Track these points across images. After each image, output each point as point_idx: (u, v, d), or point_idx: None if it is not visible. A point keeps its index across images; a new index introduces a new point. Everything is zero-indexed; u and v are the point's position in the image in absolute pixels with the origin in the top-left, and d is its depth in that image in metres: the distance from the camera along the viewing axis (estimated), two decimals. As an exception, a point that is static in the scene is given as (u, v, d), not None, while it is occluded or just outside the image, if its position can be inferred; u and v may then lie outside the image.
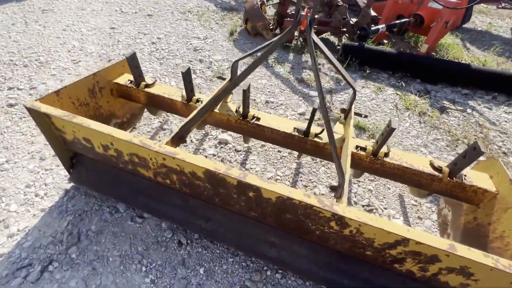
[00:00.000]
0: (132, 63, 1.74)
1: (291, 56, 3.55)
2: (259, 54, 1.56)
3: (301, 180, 2.03)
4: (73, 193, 1.77)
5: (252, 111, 1.73)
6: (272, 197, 1.19)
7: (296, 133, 1.63)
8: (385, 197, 1.96)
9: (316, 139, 1.60)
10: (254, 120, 1.68)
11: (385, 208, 1.89)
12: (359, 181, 2.04)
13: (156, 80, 1.91)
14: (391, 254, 1.18)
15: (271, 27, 3.76)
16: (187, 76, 1.68)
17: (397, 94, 3.00)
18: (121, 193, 1.67)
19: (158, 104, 1.90)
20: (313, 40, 1.44)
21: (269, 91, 2.87)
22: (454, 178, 1.43)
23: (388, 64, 3.33)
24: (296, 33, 3.81)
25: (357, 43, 3.42)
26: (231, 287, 1.44)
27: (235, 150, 2.20)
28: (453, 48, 4.09)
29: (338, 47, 3.61)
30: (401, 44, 4.24)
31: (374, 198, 1.95)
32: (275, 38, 1.63)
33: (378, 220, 1.05)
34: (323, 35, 4.10)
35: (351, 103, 1.74)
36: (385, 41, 4.06)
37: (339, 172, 1.25)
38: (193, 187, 1.42)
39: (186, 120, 1.52)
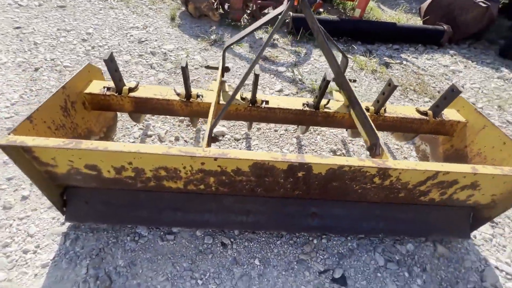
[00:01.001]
0: (111, 66, 1.46)
1: (244, 35, 3.48)
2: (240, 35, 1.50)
3: (305, 152, 2.14)
4: (75, 234, 1.48)
5: (258, 96, 1.70)
6: (323, 170, 1.26)
7: (307, 108, 1.69)
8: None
9: (326, 110, 1.70)
10: (264, 104, 1.66)
11: (379, 157, 2.18)
12: (352, 140, 2.28)
13: (138, 82, 1.66)
14: (420, 190, 1.42)
15: (215, 7, 3.56)
16: (185, 72, 1.51)
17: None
18: (140, 216, 1.48)
19: (149, 109, 1.67)
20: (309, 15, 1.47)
21: (240, 74, 2.80)
22: (437, 118, 1.75)
23: (333, 31, 3.61)
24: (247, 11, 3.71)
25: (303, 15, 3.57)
26: (289, 265, 1.51)
27: (235, 139, 2.14)
28: (374, 10, 4.66)
29: (287, 21, 3.70)
30: (333, 11, 4.60)
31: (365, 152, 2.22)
32: (271, 16, 1.59)
33: (417, 164, 1.24)
34: (266, 10, 4.11)
35: (344, 71, 1.88)
36: (321, 10, 4.34)
37: (372, 133, 1.38)
38: (233, 185, 1.36)
39: (209, 119, 1.40)
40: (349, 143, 2.26)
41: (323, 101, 1.71)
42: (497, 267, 1.62)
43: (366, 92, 2.83)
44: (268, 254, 1.54)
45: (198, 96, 1.64)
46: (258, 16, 3.76)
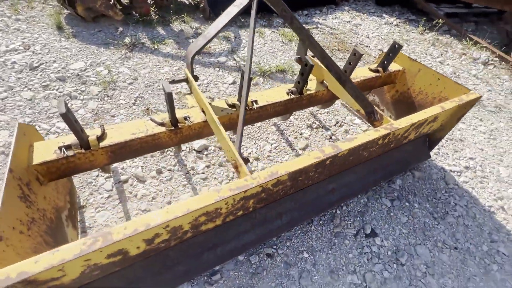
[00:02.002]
0: (70, 117, 1.08)
1: (161, 30, 3.05)
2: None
3: (289, 135, 2.20)
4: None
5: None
6: (346, 151, 1.35)
7: (293, 96, 1.70)
8: (348, 114, 2.50)
9: (309, 93, 1.76)
10: (255, 105, 1.58)
11: (353, 120, 2.45)
12: (318, 111, 2.45)
13: (102, 125, 1.29)
14: (405, 136, 1.70)
15: (112, 3, 2.93)
16: (169, 98, 1.26)
17: (275, 32, 3.40)
18: (176, 275, 1.28)
19: (131, 153, 1.35)
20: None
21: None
22: (385, 72, 2.06)
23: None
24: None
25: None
26: (331, 242, 1.62)
27: (220, 148, 1.99)
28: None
29: (201, 5, 3.40)
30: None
31: (333, 116, 2.45)
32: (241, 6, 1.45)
33: (412, 117, 1.47)
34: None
35: (305, 51, 1.93)
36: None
37: (366, 102, 1.52)
38: (270, 197, 1.32)
39: (229, 143, 1.24)
40: (316, 114, 2.43)
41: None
42: (451, 170, 2.17)
43: (305, 62, 3.01)
44: (310, 242, 1.60)
45: (185, 119, 1.41)
46: (165, 4, 3.33)
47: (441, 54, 3.58)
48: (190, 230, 1.14)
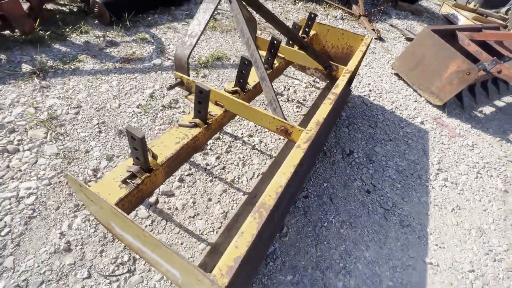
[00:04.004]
0: (145, 141, 1.04)
1: (61, 47, 2.54)
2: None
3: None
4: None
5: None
6: (338, 95, 1.83)
7: (267, 71, 2.01)
8: (287, 79, 2.98)
9: (275, 65, 2.10)
10: (250, 86, 1.80)
11: (293, 82, 2.96)
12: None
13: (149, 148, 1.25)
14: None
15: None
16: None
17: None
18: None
19: (179, 163, 1.36)
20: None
21: (119, 89, 2.32)
22: (309, 37, 2.63)
23: (143, 5, 3.35)
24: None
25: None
26: (332, 169, 2.16)
27: (217, 139, 2.11)
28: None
29: (96, 10, 2.94)
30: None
31: (279, 84, 2.91)
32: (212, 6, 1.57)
33: (349, 66, 2.09)
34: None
35: (255, 33, 2.21)
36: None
37: (323, 59, 2.02)
38: (317, 141, 1.67)
39: (271, 114, 1.44)
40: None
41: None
42: (364, 95, 3.09)
43: (227, 45, 3.28)
44: (322, 175, 2.09)
45: (210, 114, 1.51)
46: (48, 16, 2.73)
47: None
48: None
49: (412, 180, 2.31)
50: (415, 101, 3.28)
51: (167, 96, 2.36)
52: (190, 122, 1.44)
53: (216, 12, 3.86)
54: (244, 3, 1.76)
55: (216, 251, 1.47)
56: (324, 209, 1.88)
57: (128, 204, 1.12)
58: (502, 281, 1.80)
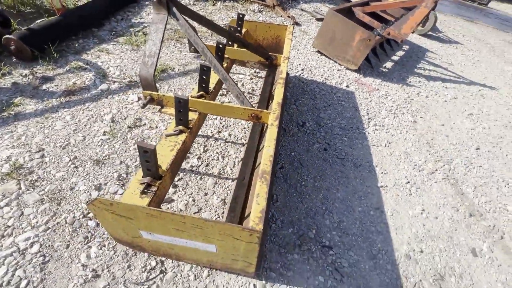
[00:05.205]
0: (155, 156, 1.22)
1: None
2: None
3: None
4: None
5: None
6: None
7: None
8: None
9: (225, 66, 2.37)
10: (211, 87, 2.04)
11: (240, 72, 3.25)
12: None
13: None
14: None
15: None
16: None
17: (115, 44, 3.35)
18: None
19: (177, 168, 1.56)
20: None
21: (76, 123, 2.30)
22: (242, 35, 2.96)
23: (62, 33, 3.16)
24: None
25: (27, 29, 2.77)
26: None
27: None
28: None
29: (12, 47, 2.66)
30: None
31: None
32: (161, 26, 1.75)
33: (284, 53, 2.50)
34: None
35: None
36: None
37: (264, 52, 2.38)
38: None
39: (240, 106, 1.72)
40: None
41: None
42: (305, 76, 3.61)
43: (187, 55, 3.38)
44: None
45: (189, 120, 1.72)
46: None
47: (235, 14, 4.94)
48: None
49: (353, 132, 2.91)
50: (338, 70, 3.96)
51: (128, 117, 2.41)
52: (175, 130, 1.63)
53: (142, 27, 3.87)
54: (186, 17, 1.97)
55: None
56: (298, 172, 2.29)
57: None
58: (427, 182, 2.52)
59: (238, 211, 1.74)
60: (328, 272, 1.69)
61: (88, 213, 1.69)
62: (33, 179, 1.80)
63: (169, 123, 2.40)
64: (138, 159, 2.07)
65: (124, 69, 2.96)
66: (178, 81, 3.00)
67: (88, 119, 2.31)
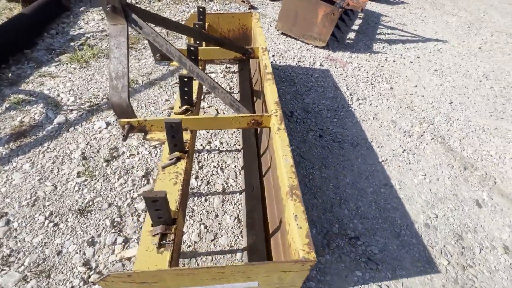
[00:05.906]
0: (166, 203, 1.01)
1: None
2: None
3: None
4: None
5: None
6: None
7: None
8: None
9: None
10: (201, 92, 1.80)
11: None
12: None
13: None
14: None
15: None
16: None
17: (59, 65, 2.85)
18: None
19: (185, 198, 1.34)
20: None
21: (39, 170, 1.93)
22: (205, 30, 2.67)
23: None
24: None
25: None
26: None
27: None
28: None
29: None
30: None
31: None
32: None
33: (261, 44, 2.30)
34: None
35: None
36: None
37: (240, 47, 2.16)
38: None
39: (240, 114, 1.53)
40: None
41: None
42: (285, 62, 3.44)
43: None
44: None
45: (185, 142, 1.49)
46: None
47: (187, 8, 4.53)
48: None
49: (340, 111, 2.87)
50: (307, 50, 3.86)
51: (101, 148, 2.08)
52: (171, 159, 1.40)
53: (85, 38, 3.34)
54: (148, 24, 1.67)
55: (254, 250, 1.58)
56: (303, 167, 2.19)
57: (175, 262, 1.09)
58: (419, 146, 2.60)
59: (259, 227, 1.60)
60: (363, 264, 1.65)
61: (89, 276, 1.43)
62: (5, 254, 1.45)
63: (153, 146, 2.11)
64: (128, 196, 1.79)
65: (78, 92, 2.54)
66: (146, 94, 2.66)
67: (53, 163, 1.93)
